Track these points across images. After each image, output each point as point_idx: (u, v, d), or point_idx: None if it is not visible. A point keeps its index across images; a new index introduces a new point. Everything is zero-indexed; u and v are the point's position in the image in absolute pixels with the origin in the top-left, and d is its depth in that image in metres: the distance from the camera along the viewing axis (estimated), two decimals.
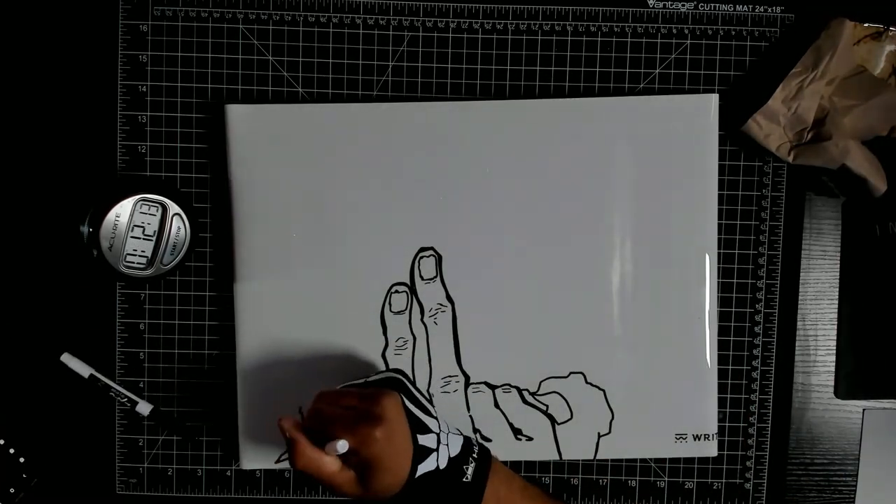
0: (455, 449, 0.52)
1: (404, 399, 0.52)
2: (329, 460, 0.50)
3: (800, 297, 0.62)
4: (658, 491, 0.62)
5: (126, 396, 0.60)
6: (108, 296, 0.61)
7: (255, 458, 0.60)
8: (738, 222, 0.61)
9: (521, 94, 0.61)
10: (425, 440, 0.51)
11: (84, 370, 0.60)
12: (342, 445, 0.48)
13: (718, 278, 0.61)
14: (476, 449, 0.53)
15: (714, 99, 0.59)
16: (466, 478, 0.51)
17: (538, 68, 0.60)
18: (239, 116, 0.58)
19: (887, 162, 0.59)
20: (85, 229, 0.56)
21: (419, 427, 0.51)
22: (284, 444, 0.58)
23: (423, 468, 0.50)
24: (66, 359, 0.60)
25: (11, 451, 0.61)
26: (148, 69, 0.60)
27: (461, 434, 0.53)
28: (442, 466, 0.51)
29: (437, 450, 0.51)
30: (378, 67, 0.60)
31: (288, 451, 0.50)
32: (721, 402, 0.61)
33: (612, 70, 0.61)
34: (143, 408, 0.60)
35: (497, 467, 0.53)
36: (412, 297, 0.59)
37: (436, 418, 0.53)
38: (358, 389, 0.53)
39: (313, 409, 0.52)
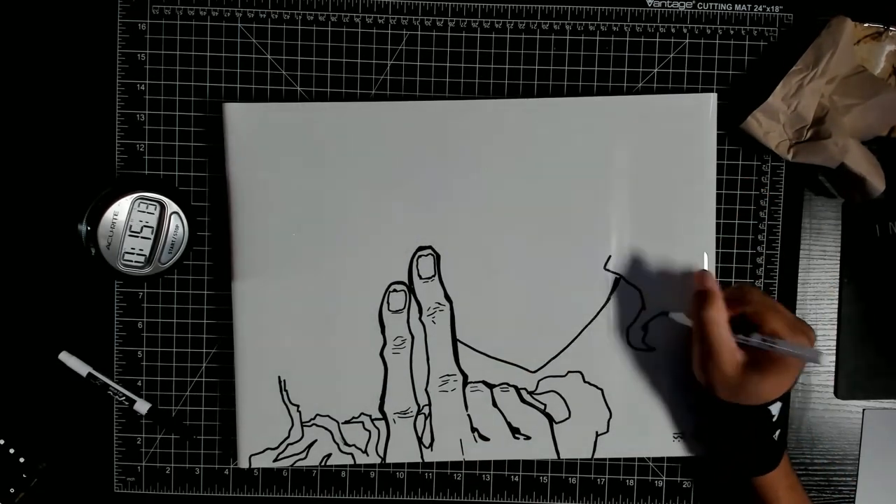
0: (777, 412, 0.56)
1: None
2: (729, 329, 0.53)
3: (799, 297, 0.62)
4: (656, 490, 0.62)
5: (124, 395, 0.60)
6: (106, 294, 0.61)
7: (254, 457, 0.60)
8: (737, 222, 0.61)
9: (519, 92, 0.61)
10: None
11: (82, 369, 0.60)
12: (823, 358, 0.52)
13: (717, 277, 0.61)
14: (780, 424, 0.57)
15: (712, 98, 0.59)
16: (775, 436, 0.56)
17: (536, 67, 0.60)
18: (237, 115, 0.58)
19: (887, 162, 0.59)
20: (83, 227, 0.56)
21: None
22: (279, 441, 0.59)
23: (774, 407, 0.55)
24: (65, 357, 0.60)
25: (11, 451, 0.61)
26: (146, 68, 0.60)
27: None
28: (775, 418, 0.55)
29: (780, 403, 0.55)
30: (377, 66, 0.60)
31: (696, 298, 0.54)
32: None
33: (611, 69, 0.61)
34: (141, 406, 0.61)
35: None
36: (410, 296, 0.59)
37: None
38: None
39: (740, 292, 0.55)
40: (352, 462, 0.60)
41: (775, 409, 0.55)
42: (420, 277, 0.59)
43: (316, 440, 0.59)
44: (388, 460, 0.60)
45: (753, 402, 0.54)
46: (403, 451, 0.60)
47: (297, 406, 0.59)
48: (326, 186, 0.58)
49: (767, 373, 0.53)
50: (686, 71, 0.61)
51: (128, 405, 0.61)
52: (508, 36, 0.60)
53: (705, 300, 0.54)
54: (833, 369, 0.63)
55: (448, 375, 0.59)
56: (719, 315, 0.53)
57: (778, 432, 0.56)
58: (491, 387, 0.60)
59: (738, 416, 0.55)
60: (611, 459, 0.62)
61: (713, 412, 0.57)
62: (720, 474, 0.58)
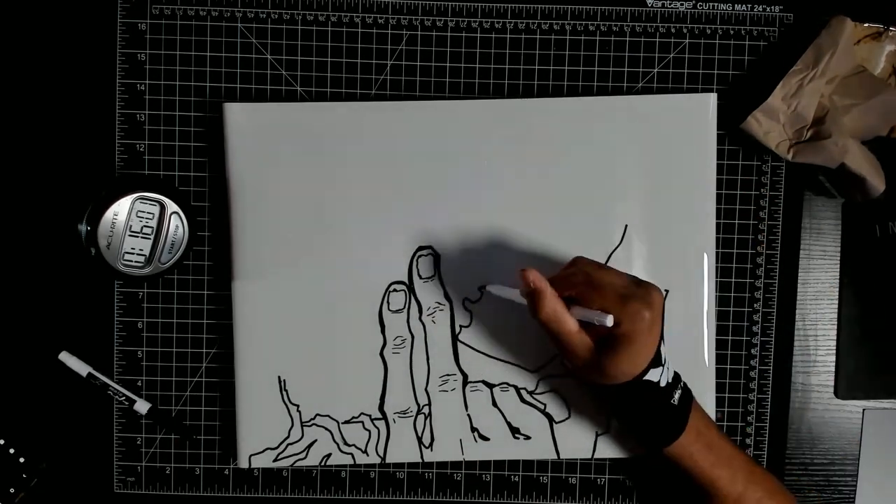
0: (670, 374, 0.54)
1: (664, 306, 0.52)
2: (571, 319, 0.51)
3: (799, 297, 0.62)
4: (656, 490, 0.62)
5: (124, 395, 0.60)
6: (106, 294, 0.61)
7: (254, 457, 0.59)
8: (737, 222, 0.61)
9: (519, 92, 0.61)
10: (662, 350, 0.52)
11: (82, 369, 0.60)
12: (609, 320, 0.49)
13: (717, 278, 0.61)
14: (682, 382, 0.54)
15: (712, 98, 0.59)
16: (674, 401, 0.53)
17: (537, 67, 0.60)
18: (237, 115, 0.58)
19: (887, 162, 0.59)
20: (83, 227, 0.56)
21: (661, 336, 0.52)
22: (279, 441, 0.59)
23: (651, 374, 0.52)
24: (65, 357, 0.60)
25: (11, 451, 0.61)
26: (146, 68, 0.60)
27: (672, 368, 0.54)
28: (662, 384, 0.52)
29: (663, 365, 0.53)
30: (377, 66, 0.60)
31: (529, 300, 0.52)
32: (719, 402, 0.61)
33: (611, 69, 0.61)
34: (141, 406, 0.60)
35: (696, 402, 0.55)
36: (410, 296, 0.59)
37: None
38: (622, 272, 0.53)
39: (571, 272, 0.53)
40: (352, 462, 0.60)
41: (655, 375, 0.52)
42: (420, 277, 0.59)
43: (316, 440, 0.59)
44: (388, 460, 0.60)
45: (622, 378, 0.51)
46: (403, 451, 0.60)
47: (297, 406, 0.59)
48: (326, 186, 0.58)
49: (618, 347, 0.50)
50: (686, 71, 0.61)
51: (128, 405, 0.61)
52: (508, 36, 0.60)
53: (535, 301, 0.51)
54: (833, 369, 0.63)
55: (448, 375, 0.59)
56: (553, 311, 0.51)
57: (678, 395, 0.53)
58: (491, 386, 0.60)
59: (622, 394, 0.53)
60: (611, 459, 0.62)
61: (604, 395, 0.56)
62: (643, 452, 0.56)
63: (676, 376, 0.54)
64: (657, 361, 0.52)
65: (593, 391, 0.58)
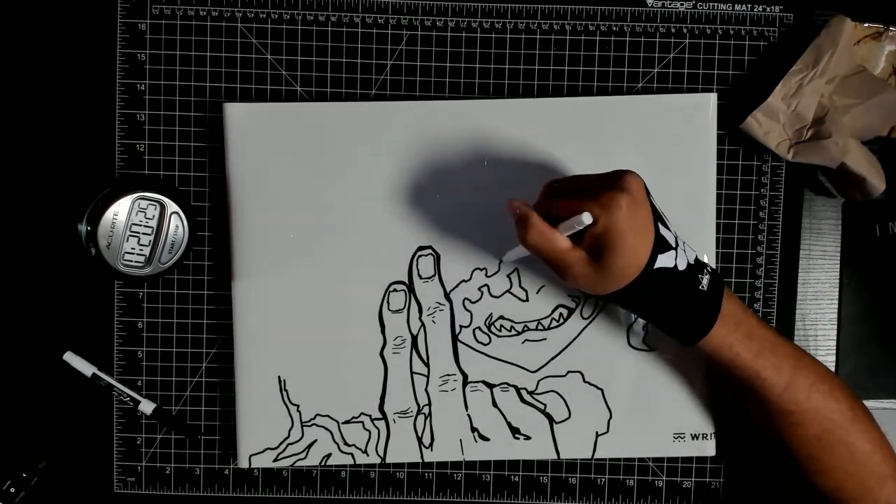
0: (690, 257, 0.50)
1: (647, 188, 0.49)
2: (560, 237, 0.48)
3: (799, 297, 0.62)
4: (656, 490, 0.62)
5: (128, 395, 0.60)
6: (107, 294, 0.61)
7: (254, 457, 0.59)
8: (737, 222, 0.61)
9: (519, 93, 0.61)
10: (664, 233, 0.49)
11: (87, 369, 0.60)
12: (586, 217, 0.46)
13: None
14: (709, 266, 0.51)
15: (712, 98, 0.59)
16: (702, 286, 0.49)
17: (537, 67, 0.60)
18: (237, 115, 0.58)
19: (887, 162, 0.59)
20: (83, 227, 0.56)
21: (658, 218, 0.49)
22: (279, 441, 0.59)
23: (662, 261, 0.48)
24: (69, 357, 0.60)
25: (11, 450, 0.61)
26: (146, 68, 0.60)
27: (693, 250, 0.50)
28: (681, 268, 0.49)
29: (675, 248, 0.49)
30: (377, 66, 0.60)
31: (517, 229, 0.50)
32: (718, 401, 0.61)
33: (611, 69, 0.61)
34: (146, 406, 0.60)
35: (729, 291, 0.52)
36: (410, 296, 0.59)
37: (669, 229, 0.50)
38: (591, 174, 0.50)
39: (545, 189, 0.51)
40: (352, 462, 0.60)
41: (668, 260, 0.48)
42: (420, 277, 0.59)
43: (316, 440, 0.59)
44: (388, 460, 0.60)
45: (630, 273, 0.48)
46: (403, 451, 0.60)
47: (297, 406, 0.59)
48: (326, 186, 0.58)
49: (609, 243, 0.47)
50: (686, 71, 0.61)
51: (132, 405, 0.61)
52: (508, 36, 0.60)
53: (521, 226, 0.49)
54: (833, 369, 0.63)
55: (448, 375, 0.59)
56: (539, 233, 0.49)
57: (705, 280, 0.50)
58: (491, 387, 0.60)
59: (640, 291, 0.49)
60: (611, 459, 0.62)
61: (626, 301, 0.52)
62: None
63: (700, 262, 0.50)
64: (664, 246, 0.48)
65: (618, 302, 0.53)
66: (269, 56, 0.60)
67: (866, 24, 0.59)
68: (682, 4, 0.60)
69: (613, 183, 0.48)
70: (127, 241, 0.55)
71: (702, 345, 0.51)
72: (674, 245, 0.49)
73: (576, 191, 0.49)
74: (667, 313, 0.51)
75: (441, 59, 0.60)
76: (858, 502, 0.52)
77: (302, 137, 0.58)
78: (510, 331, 0.59)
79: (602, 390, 0.60)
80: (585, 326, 0.59)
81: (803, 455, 0.53)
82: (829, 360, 0.62)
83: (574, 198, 0.48)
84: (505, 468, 0.62)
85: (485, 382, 0.60)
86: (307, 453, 0.59)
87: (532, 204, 0.51)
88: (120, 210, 0.55)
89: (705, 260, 0.52)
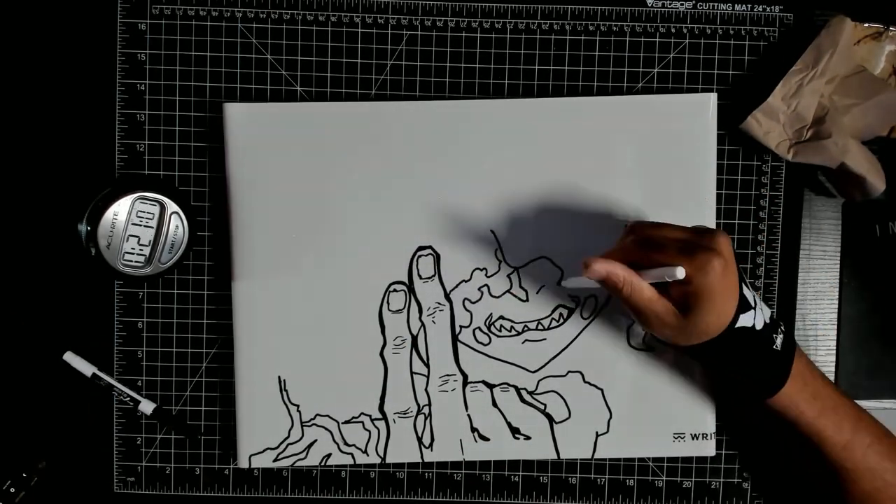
0: (766, 316, 0.52)
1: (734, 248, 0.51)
2: (647, 286, 0.50)
3: (799, 297, 0.62)
4: (656, 490, 0.62)
5: (129, 395, 0.60)
6: (107, 294, 0.61)
7: (254, 457, 0.59)
8: (737, 222, 0.61)
9: (519, 93, 0.61)
10: (746, 293, 0.51)
11: (87, 369, 0.60)
12: (680, 272, 0.47)
13: None
14: (783, 325, 0.52)
15: (712, 98, 0.59)
16: (776, 346, 0.51)
17: (537, 67, 0.60)
18: (237, 115, 0.58)
19: (887, 162, 0.59)
20: (83, 227, 0.56)
21: (741, 279, 0.50)
22: (279, 441, 0.59)
23: (743, 320, 0.50)
24: (69, 357, 0.60)
25: (11, 450, 0.61)
26: (146, 68, 0.60)
27: (769, 309, 0.52)
28: (758, 327, 0.51)
29: (755, 308, 0.51)
30: (377, 66, 0.60)
31: (607, 288, 0.50)
32: (719, 402, 0.61)
33: (611, 69, 0.61)
34: (146, 406, 0.60)
35: (800, 350, 0.53)
36: (410, 296, 0.59)
37: (749, 288, 0.52)
38: (681, 225, 0.51)
39: (631, 238, 0.52)
40: (352, 462, 0.60)
41: (747, 320, 0.50)
42: (420, 277, 0.59)
43: (316, 440, 0.59)
44: (388, 460, 0.60)
45: (713, 332, 0.50)
46: (403, 451, 0.60)
47: (297, 406, 0.59)
48: (326, 186, 0.58)
49: (699, 302, 0.49)
50: (686, 71, 0.61)
51: (132, 405, 0.61)
52: (508, 36, 0.60)
53: (614, 286, 0.50)
54: (833, 369, 0.63)
55: (448, 375, 0.59)
56: (629, 285, 0.50)
57: (779, 340, 0.52)
58: (491, 387, 0.60)
59: (719, 348, 0.51)
60: (611, 459, 0.62)
61: (704, 356, 0.53)
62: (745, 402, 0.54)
63: (775, 320, 0.52)
64: (745, 306, 0.50)
65: (692, 355, 0.54)
66: (269, 56, 0.60)
67: (866, 24, 0.59)
68: (682, 4, 0.60)
69: (706, 242, 0.49)
70: (127, 241, 0.55)
71: (770, 402, 0.53)
72: (753, 305, 0.51)
73: (665, 244, 0.50)
74: (742, 371, 0.53)
75: (441, 59, 0.60)
76: None
77: (302, 137, 0.58)
78: (510, 331, 0.59)
79: (602, 390, 0.60)
80: (585, 326, 0.60)
81: None
82: (829, 360, 0.62)
83: (666, 253, 0.49)
84: (505, 468, 0.62)
85: (485, 382, 0.60)
86: (307, 453, 0.59)
87: (607, 252, 0.52)
88: (120, 210, 0.55)
89: (776, 318, 0.54)
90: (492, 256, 0.59)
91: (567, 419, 0.60)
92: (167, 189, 0.57)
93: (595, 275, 0.50)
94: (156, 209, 0.56)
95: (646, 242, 0.51)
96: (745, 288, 0.51)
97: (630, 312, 0.52)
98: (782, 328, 0.53)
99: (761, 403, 0.53)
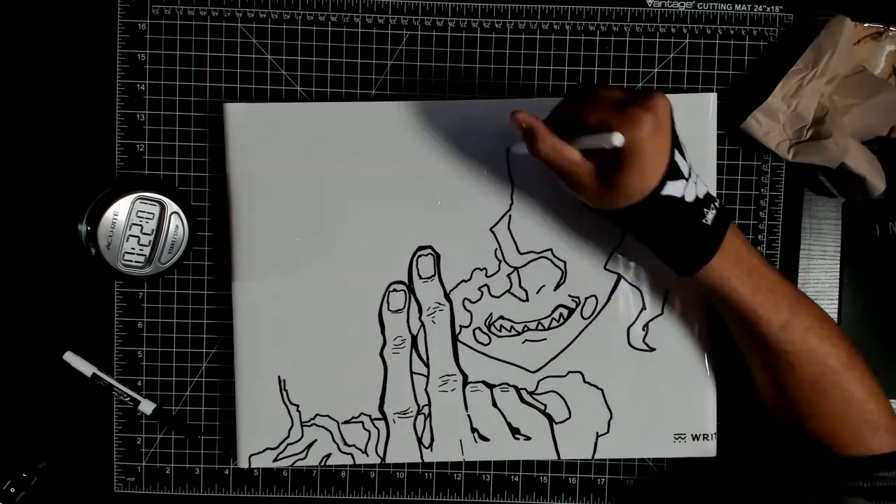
0: (701, 192, 0.49)
1: (672, 114, 0.47)
2: (569, 148, 0.48)
3: None
4: (656, 490, 0.62)
5: (129, 395, 0.60)
6: (107, 294, 0.61)
7: (254, 457, 0.59)
8: (737, 222, 0.61)
9: (519, 92, 0.61)
10: (679, 161, 0.48)
11: (87, 369, 0.60)
12: (617, 139, 0.45)
13: None
14: (718, 201, 0.50)
15: (712, 98, 0.59)
16: (706, 220, 0.49)
17: (537, 67, 0.60)
18: (237, 115, 0.58)
19: (887, 162, 0.59)
20: (83, 227, 0.56)
21: (676, 146, 0.48)
22: (279, 441, 0.59)
23: (670, 188, 0.47)
24: (69, 357, 0.60)
25: (11, 450, 0.61)
26: (146, 68, 0.60)
27: (706, 185, 0.50)
28: (688, 199, 0.48)
29: (687, 179, 0.48)
30: (377, 66, 0.60)
31: (525, 141, 0.49)
32: (720, 402, 0.61)
33: (611, 69, 0.61)
34: (146, 406, 0.60)
35: (736, 228, 0.51)
36: (410, 296, 0.59)
37: (686, 160, 0.49)
38: (620, 86, 0.49)
39: (566, 100, 0.49)
40: (351, 462, 0.60)
41: (676, 189, 0.48)
42: (420, 277, 0.59)
43: (316, 440, 0.59)
44: (387, 460, 0.60)
45: (636, 194, 0.47)
46: (403, 451, 0.60)
47: (297, 406, 0.59)
48: (326, 186, 0.58)
49: (624, 160, 0.46)
50: (686, 71, 0.61)
51: (132, 405, 0.61)
52: (508, 36, 0.60)
53: (532, 140, 0.48)
54: None
55: (448, 375, 0.59)
56: (550, 145, 0.48)
57: (711, 215, 0.49)
58: (491, 387, 0.60)
59: (642, 212, 0.48)
60: (611, 460, 0.62)
61: (627, 221, 0.51)
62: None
63: (710, 196, 0.50)
64: (675, 174, 0.48)
65: (615, 221, 0.53)
66: (269, 56, 0.60)
67: (866, 24, 0.59)
68: (682, 4, 0.60)
69: (640, 101, 0.46)
70: (127, 241, 0.56)
71: (699, 277, 0.51)
72: (686, 176, 0.49)
73: (600, 100, 0.47)
74: (665, 241, 0.51)
75: (441, 59, 0.60)
76: (850, 449, 0.52)
77: (302, 137, 0.58)
78: (510, 331, 0.59)
79: (602, 390, 0.60)
80: (585, 326, 0.59)
81: (797, 398, 0.52)
82: None
83: (599, 109, 0.47)
84: (505, 468, 0.62)
85: (485, 383, 0.60)
86: (307, 453, 0.59)
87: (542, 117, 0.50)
88: (120, 210, 0.55)
89: (712, 195, 0.51)
90: (492, 256, 0.59)
91: (567, 419, 0.60)
92: (167, 189, 0.57)
93: (517, 121, 0.48)
94: (156, 209, 0.56)
95: (582, 99, 0.48)
96: (679, 156, 0.48)
97: (556, 175, 0.50)
98: (717, 205, 0.50)
99: (692, 278, 0.51)
